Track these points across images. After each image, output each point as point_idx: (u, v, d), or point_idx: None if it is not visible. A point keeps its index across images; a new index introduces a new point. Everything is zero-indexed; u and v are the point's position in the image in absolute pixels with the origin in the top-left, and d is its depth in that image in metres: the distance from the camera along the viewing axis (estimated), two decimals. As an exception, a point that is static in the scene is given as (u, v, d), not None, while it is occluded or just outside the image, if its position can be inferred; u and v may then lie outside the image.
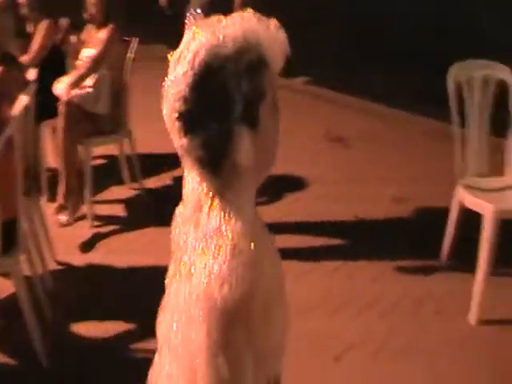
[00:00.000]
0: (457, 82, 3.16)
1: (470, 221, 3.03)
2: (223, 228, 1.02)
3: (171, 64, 1.04)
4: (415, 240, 3.52)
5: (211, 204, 1.05)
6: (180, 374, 1.04)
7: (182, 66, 1.01)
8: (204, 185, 1.06)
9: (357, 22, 6.30)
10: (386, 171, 4.42)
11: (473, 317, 2.90)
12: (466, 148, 3.18)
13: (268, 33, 1.04)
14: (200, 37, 1.02)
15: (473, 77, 3.19)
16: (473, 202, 3.03)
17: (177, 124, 1.02)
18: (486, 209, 2.89)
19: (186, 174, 1.10)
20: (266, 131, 1.07)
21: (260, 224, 1.13)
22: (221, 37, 1.01)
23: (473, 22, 5.52)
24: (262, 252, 1.03)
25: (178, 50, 1.04)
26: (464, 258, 3.10)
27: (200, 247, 1.03)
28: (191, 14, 1.15)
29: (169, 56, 1.04)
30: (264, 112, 1.05)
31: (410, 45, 5.60)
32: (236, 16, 1.05)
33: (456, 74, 3.17)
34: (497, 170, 3.25)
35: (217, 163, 1.03)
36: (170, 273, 1.13)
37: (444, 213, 3.29)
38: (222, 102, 1.01)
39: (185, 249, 1.07)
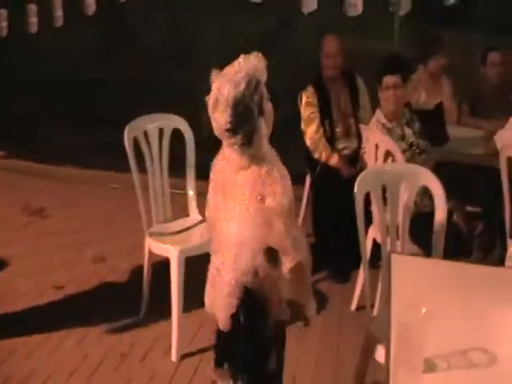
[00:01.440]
0: (133, 136, 3.37)
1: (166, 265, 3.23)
2: (270, 169, 1.97)
3: (210, 105, 1.97)
4: (117, 296, 3.66)
5: (249, 166, 1.99)
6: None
7: (221, 106, 1.93)
8: (243, 155, 1.99)
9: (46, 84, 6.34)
10: (86, 234, 4.50)
11: (174, 354, 3.11)
12: (150, 197, 3.41)
13: (258, 62, 1.97)
14: (224, 85, 1.93)
15: (148, 129, 3.45)
16: (159, 248, 3.24)
17: (226, 133, 1.96)
18: (171, 252, 3.11)
19: (227, 153, 2.04)
20: (269, 110, 2.03)
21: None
22: (237, 80, 1.92)
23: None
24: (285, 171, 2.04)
25: (211, 96, 1.96)
26: (162, 303, 3.28)
27: (256, 185, 1.97)
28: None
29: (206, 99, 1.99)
30: (265, 103, 2.01)
31: (100, 105, 5.84)
32: (240, 60, 1.97)
33: (132, 128, 3.38)
34: (184, 211, 3.54)
35: (250, 142, 1.98)
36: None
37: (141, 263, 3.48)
38: (249, 114, 1.95)
39: (235, 192, 2.02)
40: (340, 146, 4.06)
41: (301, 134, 4.14)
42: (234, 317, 2.08)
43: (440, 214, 2.59)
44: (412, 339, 1.60)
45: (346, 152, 4.06)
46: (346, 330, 3.33)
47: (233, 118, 1.92)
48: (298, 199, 4.45)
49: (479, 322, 1.86)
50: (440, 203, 2.59)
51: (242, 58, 1.97)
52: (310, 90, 4.06)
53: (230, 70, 1.96)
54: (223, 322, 2.10)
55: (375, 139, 3.32)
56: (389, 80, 3.45)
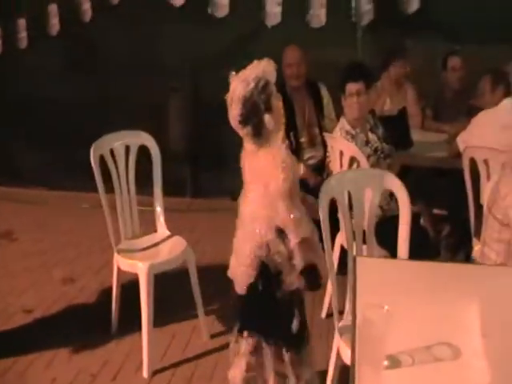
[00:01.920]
0: (99, 154, 3.39)
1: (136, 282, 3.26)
2: (275, 157, 2.36)
3: (228, 102, 2.39)
4: (87, 316, 3.67)
5: (258, 155, 2.42)
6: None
7: (234, 103, 2.36)
8: (254, 145, 2.42)
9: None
10: (54, 255, 4.50)
11: (145, 371, 3.12)
12: (118, 214, 3.43)
13: (267, 66, 2.37)
14: (237, 85, 2.36)
15: (114, 147, 3.48)
16: (128, 265, 3.26)
17: (239, 125, 2.39)
18: (140, 268, 3.14)
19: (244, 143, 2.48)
20: (278, 108, 2.42)
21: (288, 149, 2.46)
22: (248, 80, 2.34)
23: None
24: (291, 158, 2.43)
25: (229, 95, 2.39)
26: (132, 320, 3.28)
27: (262, 172, 2.39)
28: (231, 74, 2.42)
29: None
30: (274, 101, 2.40)
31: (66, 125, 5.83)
32: (252, 64, 2.38)
33: (97, 147, 3.40)
34: (152, 227, 3.57)
35: (259, 133, 2.38)
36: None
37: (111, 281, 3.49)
38: (256, 109, 2.35)
39: (249, 177, 2.52)
40: (306, 156, 4.14)
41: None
42: (252, 285, 2.49)
43: (404, 217, 2.66)
44: (374, 337, 1.65)
45: (311, 162, 4.13)
46: (316, 337, 3.36)
47: (242, 112, 2.37)
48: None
49: (443, 318, 1.90)
50: (404, 206, 2.66)
51: (254, 63, 2.42)
52: None
53: (243, 72, 2.41)
54: (241, 288, 2.53)
55: (339, 146, 3.39)
56: (352, 87, 3.53)
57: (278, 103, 2.43)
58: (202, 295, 3.41)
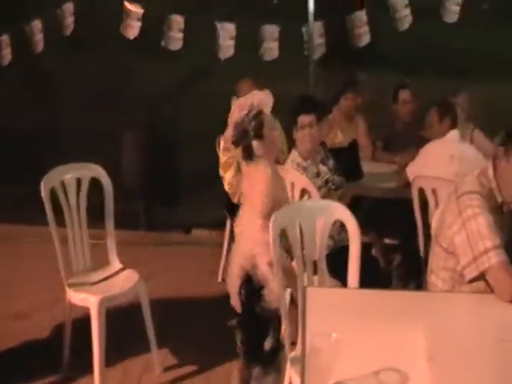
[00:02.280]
0: (50, 187, 3.38)
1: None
2: (260, 177, 2.61)
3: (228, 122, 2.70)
4: (39, 353, 3.61)
5: (248, 174, 2.69)
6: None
7: (230, 125, 2.65)
8: (246, 165, 2.68)
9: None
10: (5, 291, 4.40)
11: None
12: (69, 248, 3.41)
13: (265, 97, 2.63)
14: (234, 109, 2.64)
15: (65, 180, 3.47)
16: (79, 299, 3.24)
17: (232, 145, 2.68)
18: (91, 301, 3.12)
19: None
20: (270, 137, 2.62)
21: (278, 174, 2.72)
22: (243, 107, 2.58)
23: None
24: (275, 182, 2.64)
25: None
26: (84, 357, 3.25)
27: (248, 189, 2.69)
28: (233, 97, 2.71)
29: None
30: (266, 131, 2.59)
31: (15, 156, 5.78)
32: (251, 93, 2.65)
33: (48, 179, 3.39)
34: (105, 261, 3.57)
35: (249, 157, 2.64)
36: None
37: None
38: (245, 135, 2.60)
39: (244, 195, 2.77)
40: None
41: (219, 180, 4.25)
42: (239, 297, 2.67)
43: (354, 247, 2.72)
44: (323, 365, 1.69)
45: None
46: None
47: (234, 134, 2.65)
48: (219, 244, 4.59)
49: (391, 344, 1.96)
50: (354, 236, 2.73)
51: (254, 91, 2.68)
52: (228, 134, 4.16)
53: (242, 98, 2.68)
54: (233, 300, 2.70)
55: (291, 178, 3.46)
56: (304, 119, 3.60)
57: (271, 133, 2.62)
58: (154, 329, 3.40)
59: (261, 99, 2.62)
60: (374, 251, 4.12)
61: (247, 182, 2.72)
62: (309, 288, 2.33)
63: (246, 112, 2.58)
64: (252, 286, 2.61)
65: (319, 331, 1.87)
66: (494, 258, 2.26)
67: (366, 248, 3.95)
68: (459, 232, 2.37)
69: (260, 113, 2.59)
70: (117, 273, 3.47)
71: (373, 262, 3.78)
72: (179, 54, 5.28)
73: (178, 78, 5.64)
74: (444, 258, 2.49)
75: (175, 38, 5.31)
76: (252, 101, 2.60)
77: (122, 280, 3.41)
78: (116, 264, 3.53)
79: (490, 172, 2.44)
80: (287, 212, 2.74)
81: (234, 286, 2.66)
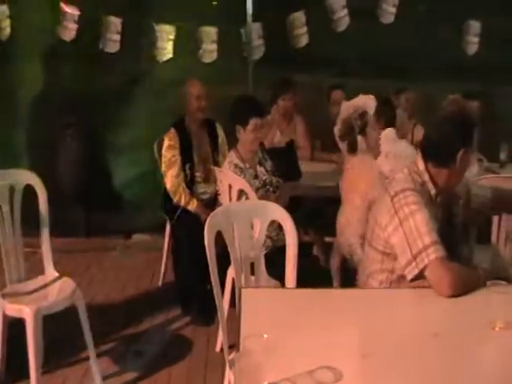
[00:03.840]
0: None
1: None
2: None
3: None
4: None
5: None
6: None
7: (338, 122, 3.35)
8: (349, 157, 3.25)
9: None
10: None
11: None
12: (2, 257, 3.31)
13: (370, 100, 3.17)
14: (344, 109, 3.29)
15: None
16: (13, 310, 3.13)
17: (338, 139, 3.39)
18: (26, 312, 3.03)
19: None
20: (372, 135, 3.07)
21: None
22: (351, 107, 3.15)
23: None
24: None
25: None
26: (20, 367, 3.16)
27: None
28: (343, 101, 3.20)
29: None
30: (369, 129, 3.17)
31: None
32: (360, 96, 3.27)
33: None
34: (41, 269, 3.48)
35: (353, 150, 3.20)
36: None
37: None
38: (350, 130, 3.25)
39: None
40: (199, 190, 4.18)
41: (158, 184, 4.23)
42: None
43: (291, 247, 2.72)
44: (254, 366, 1.68)
45: (204, 196, 4.18)
46: (211, 371, 3.40)
47: (341, 129, 3.11)
48: (159, 248, 4.56)
49: (326, 342, 1.96)
50: (290, 236, 2.73)
51: (360, 95, 3.14)
52: (173, 132, 4.12)
53: (352, 100, 3.14)
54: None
55: (228, 180, 3.46)
56: (257, 122, 3.59)
57: (373, 132, 2.95)
58: (94, 336, 3.34)
59: (366, 102, 3.06)
60: (314, 250, 4.15)
61: (351, 173, 3.10)
62: (243, 289, 2.32)
63: (352, 111, 3.05)
64: None
65: (253, 332, 1.87)
66: (432, 255, 2.27)
67: (306, 247, 4.02)
68: (395, 232, 2.36)
69: (365, 113, 3.04)
70: (52, 282, 3.38)
71: (314, 260, 3.81)
72: (117, 56, 5.22)
73: (116, 81, 5.55)
74: (380, 260, 2.48)
75: (112, 41, 5.25)
76: (358, 103, 3.06)
77: (57, 289, 3.32)
78: (52, 272, 3.43)
79: (421, 165, 2.46)
80: (223, 214, 2.73)
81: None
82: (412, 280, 2.34)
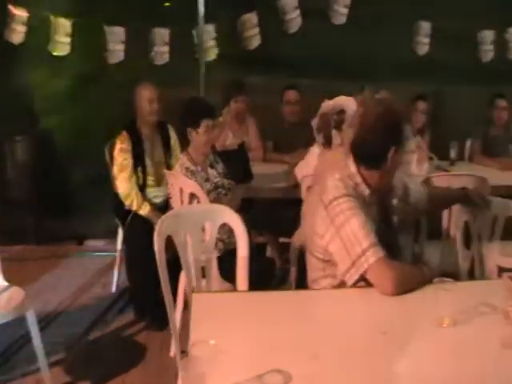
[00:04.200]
0: None
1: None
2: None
3: None
4: None
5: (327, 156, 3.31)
6: None
7: (317, 116, 3.43)
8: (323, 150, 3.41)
9: None
10: None
11: None
12: None
13: (350, 101, 3.18)
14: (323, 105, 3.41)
15: None
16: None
17: (315, 131, 3.47)
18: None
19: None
20: (348, 133, 2.70)
21: None
22: (330, 103, 3.33)
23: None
24: None
25: None
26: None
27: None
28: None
29: None
30: (345, 127, 3.17)
31: None
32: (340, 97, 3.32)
33: None
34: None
35: (328, 143, 3.34)
36: None
37: None
38: (326, 124, 3.36)
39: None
40: (151, 194, 4.13)
41: (110, 189, 4.17)
42: None
43: (242, 249, 2.71)
44: (200, 373, 1.67)
45: (157, 200, 4.13)
46: (165, 376, 3.36)
47: (318, 122, 3.36)
48: (112, 254, 4.52)
49: (275, 345, 1.95)
50: (241, 238, 2.72)
51: (341, 96, 3.26)
52: (125, 135, 4.07)
53: (331, 101, 3.28)
54: None
55: (179, 183, 3.43)
56: (208, 123, 3.57)
57: (349, 130, 2.85)
58: (45, 346, 3.26)
59: (346, 101, 3.18)
60: (269, 251, 4.14)
61: (322, 165, 3.21)
62: (194, 294, 2.30)
63: (331, 107, 3.22)
64: None
65: (202, 338, 1.85)
66: (372, 257, 2.27)
67: (261, 248, 4.02)
68: (333, 240, 2.35)
69: (343, 111, 3.17)
70: (1, 291, 3.29)
71: (268, 261, 3.81)
72: (67, 59, 5.14)
73: (66, 85, 5.46)
74: (322, 267, 2.47)
75: (63, 43, 5.17)
76: (339, 101, 3.21)
77: (6, 299, 3.23)
78: (0, 282, 3.36)
79: (353, 168, 2.44)
80: (173, 218, 2.71)
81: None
82: (353, 285, 2.33)
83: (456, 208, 3.39)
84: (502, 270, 3.01)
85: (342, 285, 2.42)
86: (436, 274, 2.29)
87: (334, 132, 3.21)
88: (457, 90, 6.02)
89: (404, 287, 2.25)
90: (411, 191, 2.74)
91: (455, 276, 2.93)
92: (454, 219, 3.69)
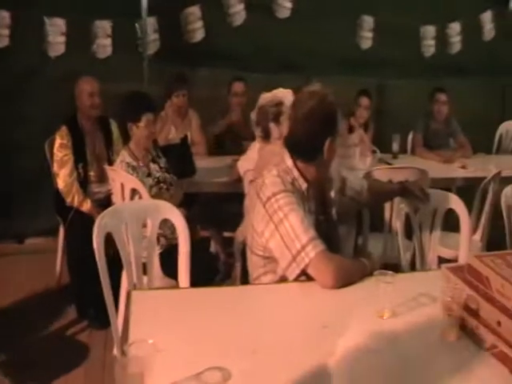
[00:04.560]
0: None
1: None
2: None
3: None
4: None
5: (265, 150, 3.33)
6: None
7: (255, 109, 3.43)
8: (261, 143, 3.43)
9: None
10: None
11: None
12: None
13: (288, 94, 3.19)
14: (261, 98, 3.42)
15: None
16: None
17: (254, 125, 3.42)
18: None
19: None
20: (284, 125, 2.96)
21: None
22: (268, 96, 3.36)
23: None
24: None
25: None
26: None
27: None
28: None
29: None
30: (283, 119, 3.18)
31: None
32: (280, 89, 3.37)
33: None
34: None
35: (267, 137, 3.34)
36: None
37: None
38: (264, 116, 3.33)
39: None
40: (93, 190, 4.05)
41: (50, 186, 4.07)
42: None
43: (183, 245, 2.69)
44: (137, 373, 1.63)
45: (98, 196, 4.05)
46: (109, 374, 3.30)
47: (256, 115, 3.34)
48: (54, 252, 4.40)
49: (214, 342, 1.93)
50: (182, 234, 2.69)
51: (280, 89, 3.25)
52: (65, 130, 3.97)
53: (269, 93, 3.30)
54: None
55: (120, 179, 3.37)
56: (149, 118, 3.51)
57: (287, 122, 2.75)
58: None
59: (284, 94, 3.19)
60: (212, 247, 4.12)
61: (261, 159, 3.20)
62: (133, 291, 2.26)
63: (269, 100, 3.21)
64: None
65: (141, 337, 1.80)
66: (312, 252, 2.26)
67: (205, 243, 4.00)
68: (272, 237, 2.34)
69: (281, 103, 3.16)
70: None
71: (211, 257, 3.79)
72: (6, 51, 4.98)
73: (5, 78, 5.29)
74: (263, 265, 2.46)
75: (1, 35, 5.01)
76: (277, 94, 3.21)
77: None
78: None
79: (289, 163, 2.43)
80: (112, 215, 2.65)
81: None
82: (294, 280, 2.33)
83: (397, 200, 3.44)
84: (442, 261, 3.07)
85: (283, 281, 2.41)
86: (377, 267, 2.32)
87: (272, 125, 3.19)
88: (399, 84, 6.12)
89: (344, 280, 2.26)
90: (349, 183, 2.75)
91: (397, 268, 2.99)
92: (395, 212, 3.73)
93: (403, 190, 2.92)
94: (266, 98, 3.27)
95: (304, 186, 2.44)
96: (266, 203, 2.35)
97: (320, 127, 2.38)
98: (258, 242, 2.41)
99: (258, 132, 3.33)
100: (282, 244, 2.31)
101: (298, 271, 2.29)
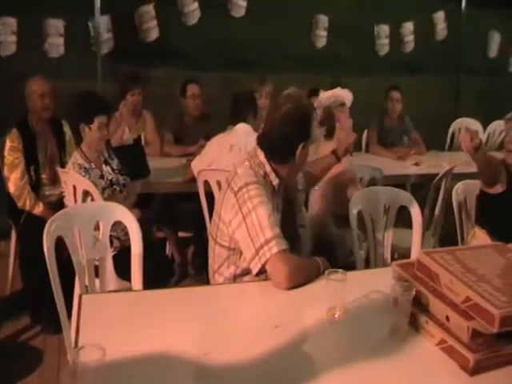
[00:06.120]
0: None
1: None
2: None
3: None
4: None
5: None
6: None
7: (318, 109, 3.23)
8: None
9: None
10: None
11: None
12: None
13: (348, 93, 3.51)
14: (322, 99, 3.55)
15: None
16: None
17: (319, 125, 3.24)
18: None
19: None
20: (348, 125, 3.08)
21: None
22: (330, 95, 3.54)
23: None
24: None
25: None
26: None
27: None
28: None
29: None
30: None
31: None
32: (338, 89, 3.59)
33: None
34: None
35: (331, 134, 3.44)
36: None
37: None
38: (329, 116, 3.47)
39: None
40: (46, 193, 3.97)
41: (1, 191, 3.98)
42: None
43: (136, 247, 2.65)
44: (85, 379, 1.60)
45: (51, 199, 3.97)
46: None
47: (321, 115, 3.31)
48: (6, 255, 4.30)
49: (169, 345, 1.89)
50: (134, 236, 2.66)
51: (338, 88, 3.46)
52: (15, 133, 3.86)
53: (330, 91, 3.44)
54: None
55: (72, 181, 3.31)
56: (102, 119, 3.43)
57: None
58: None
59: (345, 93, 3.37)
60: (168, 248, 4.08)
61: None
62: (84, 295, 2.21)
63: (333, 100, 3.34)
64: None
65: (91, 342, 1.76)
66: (273, 249, 2.27)
67: (161, 244, 3.96)
68: (239, 228, 2.34)
69: (343, 104, 3.35)
70: None
71: (167, 257, 3.76)
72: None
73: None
74: (226, 256, 2.46)
75: None
76: (338, 93, 3.36)
77: None
78: None
79: (261, 157, 2.45)
80: (63, 218, 2.60)
81: None
82: (257, 274, 2.33)
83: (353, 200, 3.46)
84: (399, 258, 3.10)
85: (243, 273, 2.42)
86: (329, 265, 2.33)
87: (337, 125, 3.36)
88: (354, 82, 6.17)
89: (297, 281, 2.26)
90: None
91: (352, 265, 3.01)
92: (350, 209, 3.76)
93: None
94: (328, 98, 3.40)
95: (276, 181, 2.46)
96: (237, 192, 2.35)
97: (294, 130, 2.41)
98: (225, 232, 2.41)
99: (321, 131, 3.46)
100: (247, 235, 2.31)
101: (259, 265, 2.30)
